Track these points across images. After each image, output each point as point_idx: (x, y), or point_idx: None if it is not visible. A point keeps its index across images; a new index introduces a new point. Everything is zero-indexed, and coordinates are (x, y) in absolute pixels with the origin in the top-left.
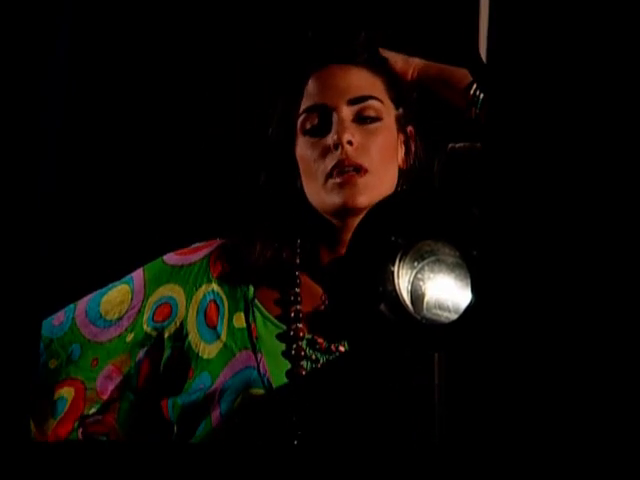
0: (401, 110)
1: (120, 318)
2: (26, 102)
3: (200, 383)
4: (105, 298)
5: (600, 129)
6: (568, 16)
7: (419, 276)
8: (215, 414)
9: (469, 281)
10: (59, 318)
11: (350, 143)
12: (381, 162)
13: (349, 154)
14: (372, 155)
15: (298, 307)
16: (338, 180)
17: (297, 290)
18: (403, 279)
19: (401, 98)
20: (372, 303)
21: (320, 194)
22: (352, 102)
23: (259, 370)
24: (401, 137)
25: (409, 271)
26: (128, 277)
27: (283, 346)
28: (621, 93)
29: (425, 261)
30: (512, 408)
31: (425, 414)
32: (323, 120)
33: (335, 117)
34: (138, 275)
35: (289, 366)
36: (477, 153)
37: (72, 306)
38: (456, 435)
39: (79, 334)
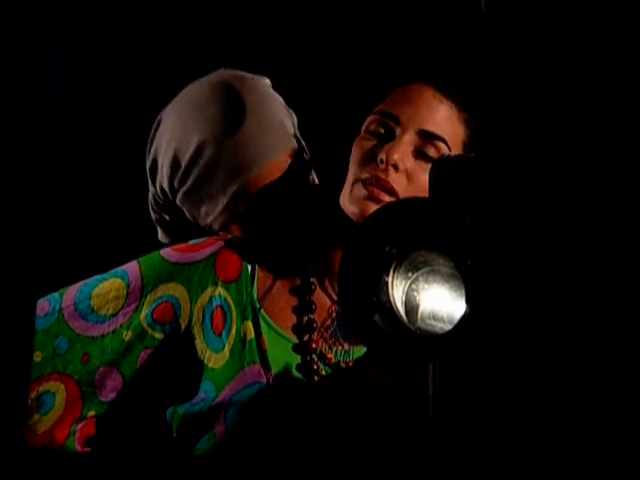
0: None
1: (115, 314)
2: (23, 101)
3: (202, 392)
4: (96, 291)
5: (593, 138)
6: (563, 23)
7: (413, 287)
8: (220, 428)
9: (464, 291)
10: (43, 308)
11: (395, 167)
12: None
13: (389, 175)
14: (413, 187)
15: (312, 316)
16: (364, 191)
17: (312, 298)
18: (397, 290)
19: (472, 151)
20: (366, 314)
21: (345, 195)
22: (422, 133)
23: (269, 386)
24: None
25: (403, 281)
26: (120, 270)
27: (295, 360)
28: (615, 104)
29: (419, 271)
30: (507, 418)
31: (421, 425)
32: (387, 131)
33: (398, 135)
34: (133, 270)
35: (302, 381)
36: (471, 162)
37: (56, 296)
38: (451, 445)
39: (67, 327)
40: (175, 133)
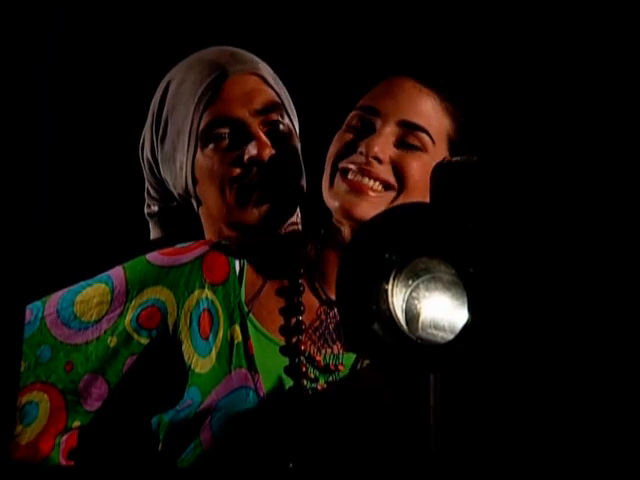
0: (454, 155)
1: (98, 320)
2: (23, 101)
3: (188, 398)
4: (79, 298)
5: (595, 143)
6: (565, 25)
7: (414, 295)
8: (206, 435)
9: (466, 300)
10: (25, 317)
11: (378, 160)
12: (413, 187)
13: (373, 167)
14: (404, 176)
15: (300, 318)
16: (345, 185)
17: (301, 299)
18: (397, 298)
19: (460, 145)
20: (365, 322)
21: (325, 190)
22: (403, 124)
23: (256, 391)
24: None
25: (403, 289)
26: (104, 276)
27: (282, 363)
28: (618, 115)
29: (420, 279)
30: (510, 429)
31: (421, 435)
32: (369, 124)
33: (379, 127)
34: (118, 275)
35: (290, 384)
36: (473, 166)
37: (39, 304)
38: (452, 456)
39: (49, 335)
40: (156, 94)
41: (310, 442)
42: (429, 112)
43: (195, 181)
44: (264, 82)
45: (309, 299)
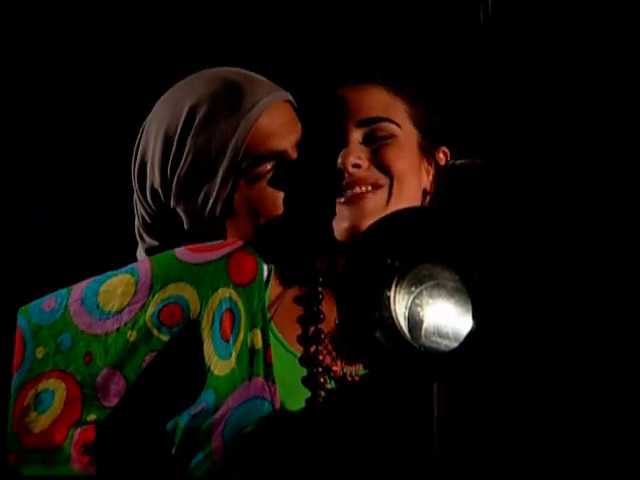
0: (425, 131)
1: (120, 311)
2: (23, 101)
3: (203, 400)
4: (104, 287)
5: (601, 148)
6: (567, 31)
7: (417, 301)
8: (217, 444)
9: (470, 307)
10: (49, 304)
11: (357, 166)
12: (400, 173)
13: (356, 175)
14: (387, 167)
15: (319, 326)
16: (344, 204)
17: (320, 307)
18: (400, 305)
19: (425, 119)
20: (367, 330)
21: (333, 222)
22: (361, 124)
23: (272, 402)
24: (426, 158)
25: (406, 296)
26: (131, 267)
27: (300, 374)
28: (621, 120)
29: (423, 285)
30: (515, 440)
31: (426, 445)
32: (335, 143)
33: (345, 140)
34: (144, 267)
35: (307, 395)
36: (478, 169)
37: (65, 292)
38: (455, 466)
39: (71, 323)
40: (165, 115)
41: (320, 451)
42: (379, 102)
43: (226, 214)
44: (293, 108)
45: (328, 308)
